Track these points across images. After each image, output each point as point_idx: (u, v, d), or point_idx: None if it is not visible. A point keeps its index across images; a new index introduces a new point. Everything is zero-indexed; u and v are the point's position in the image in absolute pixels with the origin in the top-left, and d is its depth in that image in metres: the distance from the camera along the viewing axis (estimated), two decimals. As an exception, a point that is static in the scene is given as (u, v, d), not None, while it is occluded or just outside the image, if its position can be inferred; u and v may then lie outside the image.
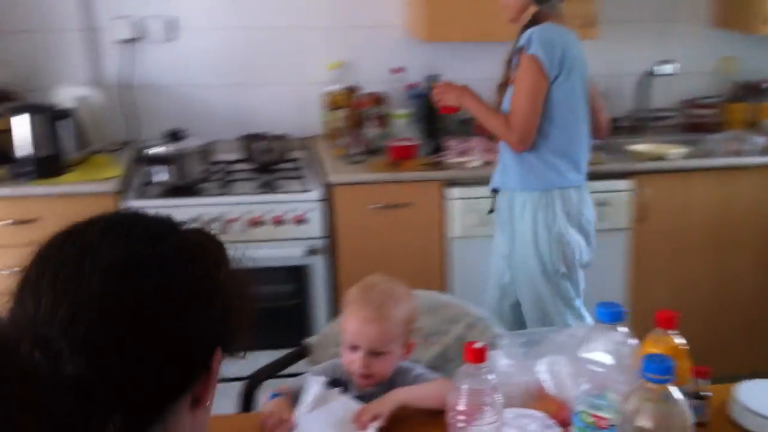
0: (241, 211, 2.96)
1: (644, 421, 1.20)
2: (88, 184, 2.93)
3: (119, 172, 3.05)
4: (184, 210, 2.93)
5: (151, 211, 0.91)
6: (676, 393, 1.21)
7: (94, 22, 3.39)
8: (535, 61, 2.53)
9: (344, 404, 1.71)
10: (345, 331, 1.75)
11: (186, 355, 0.81)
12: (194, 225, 0.93)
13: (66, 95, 3.21)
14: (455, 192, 3.08)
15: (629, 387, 1.33)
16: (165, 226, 0.88)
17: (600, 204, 3.14)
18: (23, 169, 2.96)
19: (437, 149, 3.27)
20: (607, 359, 1.39)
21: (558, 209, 2.64)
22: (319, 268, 3.03)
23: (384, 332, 1.71)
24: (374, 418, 1.61)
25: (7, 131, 2.96)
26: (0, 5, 3.30)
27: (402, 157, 3.16)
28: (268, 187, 3.09)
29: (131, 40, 3.40)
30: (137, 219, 0.88)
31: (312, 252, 3.00)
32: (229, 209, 2.96)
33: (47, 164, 2.98)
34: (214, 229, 2.81)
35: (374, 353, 1.72)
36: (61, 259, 0.80)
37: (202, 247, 0.88)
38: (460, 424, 1.31)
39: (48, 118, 2.96)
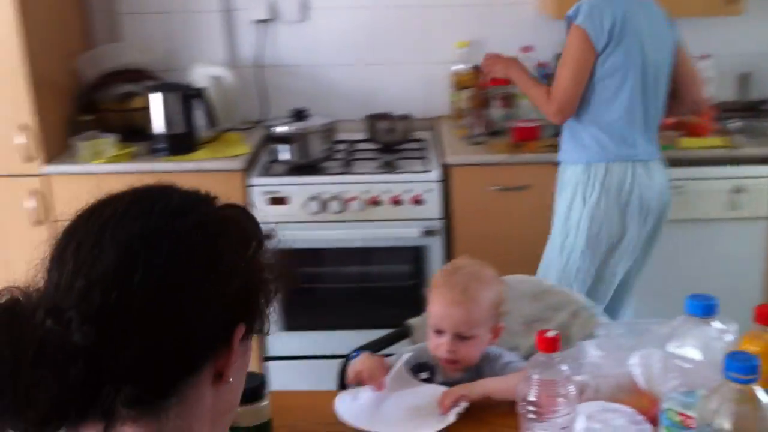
0: (360, 190, 2.99)
1: (724, 423, 1.12)
2: (217, 161, 3.04)
3: (247, 150, 3.14)
4: (304, 188, 2.99)
5: (188, 186, 0.92)
6: (761, 394, 1.12)
7: (231, 3, 3.50)
8: (580, 32, 2.47)
9: (430, 388, 1.69)
10: (431, 315, 1.74)
11: (200, 330, 0.82)
12: (232, 201, 0.94)
13: (201, 75, 3.33)
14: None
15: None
16: (192, 200, 0.90)
17: (736, 191, 2.95)
18: (157, 146, 3.10)
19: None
20: (697, 355, 1.31)
21: (597, 183, 2.55)
22: (435, 249, 3.01)
23: (469, 315, 1.68)
24: (457, 401, 1.58)
25: (145, 109, 3.12)
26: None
27: (524, 138, 3.09)
28: (389, 167, 3.10)
29: (265, 21, 3.49)
30: (166, 193, 0.90)
31: (429, 233, 2.98)
32: (348, 188, 2.99)
33: (179, 141, 3.11)
34: (333, 207, 2.93)
35: (460, 337, 1.69)
36: (86, 231, 0.83)
37: (228, 222, 0.89)
38: (531, 416, 1.27)
39: (181, 97, 3.09)
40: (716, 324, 1.32)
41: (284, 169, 3.08)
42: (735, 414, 1.11)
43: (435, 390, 1.68)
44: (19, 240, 3.05)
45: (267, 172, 3.06)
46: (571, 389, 1.28)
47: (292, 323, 3.13)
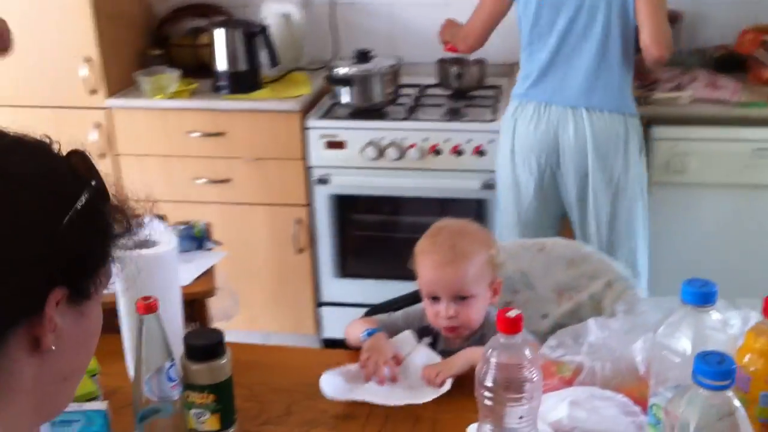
0: (421, 137, 2.84)
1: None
2: (275, 102, 2.96)
3: (308, 91, 3.04)
4: (362, 133, 2.88)
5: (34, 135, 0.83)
6: (735, 403, 0.94)
7: (307, -61, 3.37)
8: None
9: (425, 355, 1.57)
10: (422, 283, 1.61)
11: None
12: (79, 150, 0.84)
13: (271, 12, 3.24)
14: (658, 132, 2.72)
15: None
16: (16, 148, 0.80)
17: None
18: (220, 83, 3.05)
19: (647, 82, 2.90)
20: (689, 348, 1.13)
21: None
22: (497, 202, 2.84)
23: (462, 273, 1.55)
24: (441, 378, 1.46)
25: (211, 45, 3.06)
26: None
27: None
28: (453, 115, 2.94)
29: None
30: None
31: (490, 186, 2.81)
32: (408, 135, 2.85)
33: (241, 80, 3.05)
34: (391, 154, 2.80)
35: (457, 299, 1.56)
36: None
37: (49, 176, 0.79)
38: (487, 402, 1.13)
39: (244, 34, 3.02)
40: (715, 314, 1.13)
41: (344, 113, 2.97)
42: (701, 423, 0.94)
43: (429, 358, 1.55)
44: (84, 172, 3.09)
45: (326, 115, 2.96)
46: (535, 375, 1.12)
47: (346, 270, 3.06)
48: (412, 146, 2.85)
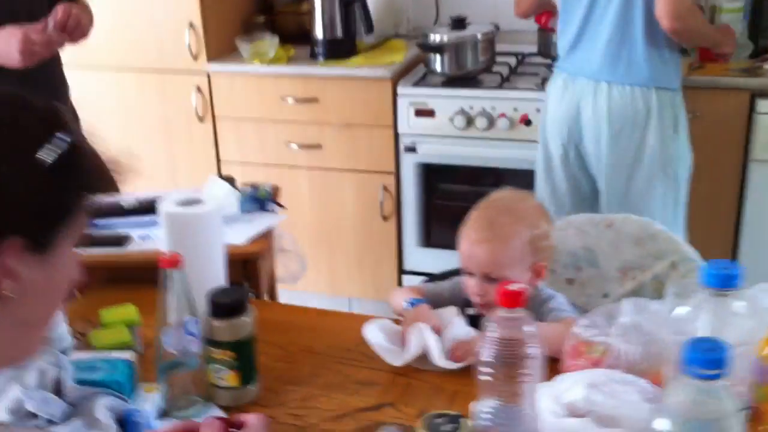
0: (511, 107, 2.76)
1: (669, 423, 0.88)
2: (367, 69, 2.95)
3: (401, 58, 3.01)
4: (452, 101, 2.83)
5: None
6: (725, 393, 0.86)
7: None
8: None
9: (461, 330, 1.53)
10: (460, 255, 1.55)
11: None
12: (56, 106, 0.85)
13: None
14: (763, 105, 2.53)
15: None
16: None
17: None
18: (317, 50, 3.07)
19: (760, 52, 2.70)
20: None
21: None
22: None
23: (495, 255, 1.48)
24: (467, 355, 1.41)
25: (310, 13, 3.09)
26: None
27: (712, 59, 2.67)
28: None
29: None
30: None
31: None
32: (498, 104, 2.78)
33: (337, 46, 3.05)
34: (480, 123, 2.73)
35: (488, 278, 1.50)
36: None
37: (10, 127, 0.80)
38: (485, 377, 1.09)
39: (341, 1, 3.02)
40: (739, 299, 1.04)
41: (436, 81, 2.92)
42: (690, 413, 0.87)
43: (465, 333, 1.51)
44: (183, 134, 3.20)
45: (417, 83, 2.92)
46: (535, 352, 1.07)
47: (431, 239, 3.03)
48: (502, 116, 2.78)
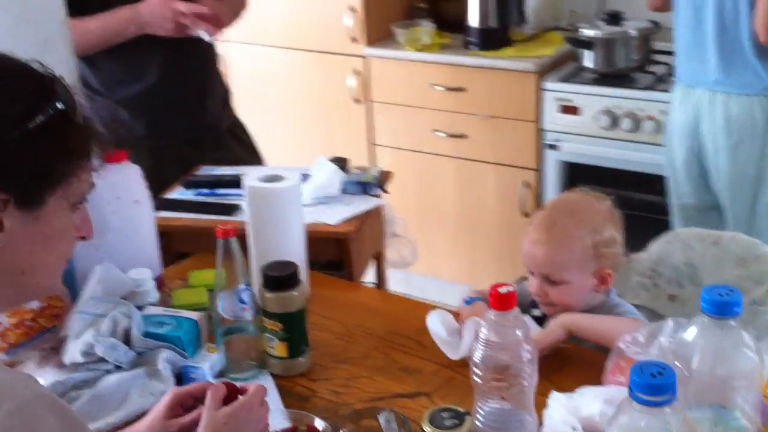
0: (659, 109, 2.64)
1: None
2: (513, 61, 2.92)
3: (551, 52, 2.96)
4: (597, 99, 2.75)
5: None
6: (674, 420, 0.82)
7: None
8: None
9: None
10: (522, 253, 1.54)
11: None
12: (58, 77, 0.95)
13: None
14: None
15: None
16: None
17: None
18: (470, 39, 3.08)
19: None
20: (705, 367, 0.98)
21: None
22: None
23: (553, 257, 1.45)
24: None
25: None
26: None
27: None
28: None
29: None
30: None
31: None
32: (645, 105, 2.67)
33: (490, 36, 3.04)
34: (625, 125, 2.62)
35: (548, 281, 1.47)
36: None
37: (5, 93, 0.90)
38: (476, 380, 1.09)
39: (496, -10, 3.00)
40: (737, 330, 0.97)
41: (585, 77, 2.84)
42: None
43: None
44: (340, 115, 3.32)
45: (565, 78, 2.86)
46: (527, 355, 1.05)
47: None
48: (648, 118, 2.66)
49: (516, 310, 1.07)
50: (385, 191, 2.07)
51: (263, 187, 1.62)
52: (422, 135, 3.14)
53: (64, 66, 1.83)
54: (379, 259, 2.18)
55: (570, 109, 2.80)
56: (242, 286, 1.42)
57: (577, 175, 2.88)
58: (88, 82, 2.28)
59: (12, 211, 0.92)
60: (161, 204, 1.98)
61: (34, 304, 1.54)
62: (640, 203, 2.81)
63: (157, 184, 2.06)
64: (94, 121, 0.98)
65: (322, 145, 3.34)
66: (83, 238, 1.06)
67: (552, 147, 2.86)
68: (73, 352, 1.45)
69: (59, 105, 0.94)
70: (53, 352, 1.50)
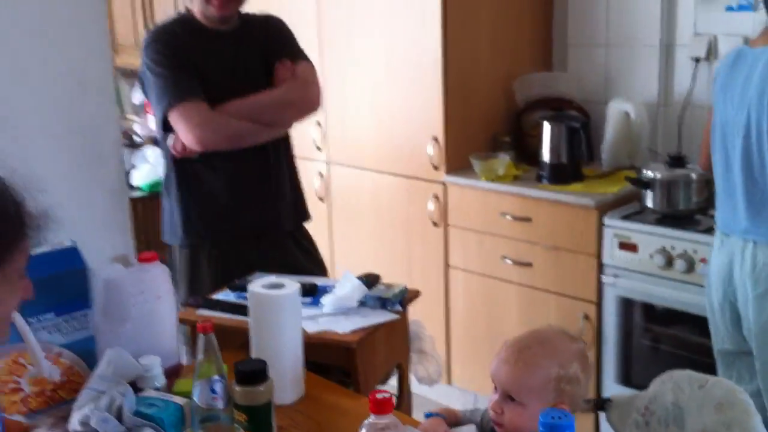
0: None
1: None
2: (575, 195, 3.01)
3: (616, 189, 3.03)
4: (654, 238, 2.80)
5: None
6: None
7: (673, 38, 3.34)
8: None
9: None
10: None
11: None
12: None
13: (615, 109, 3.28)
14: None
15: None
16: None
17: None
18: (542, 172, 3.21)
19: None
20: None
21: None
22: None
23: (518, 378, 1.54)
24: None
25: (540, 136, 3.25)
26: (578, 21, 3.56)
27: None
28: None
29: (700, 59, 3.24)
30: None
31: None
32: (700, 248, 2.67)
33: (561, 171, 3.16)
34: (679, 265, 2.63)
35: (508, 398, 1.55)
36: None
37: None
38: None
39: (567, 128, 3.13)
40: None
41: (645, 216, 2.89)
42: None
43: None
44: (420, 237, 3.50)
45: (625, 216, 2.92)
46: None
47: (630, 378, 2.95)
48: (703, 261, 2.66)
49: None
50: (404, 310, 2.20)
51: (262, 293, 1.81)
52: (491, 260, 3.26)
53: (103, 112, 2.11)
54: (401, 371, 2.29)
55: (628, 246, 2.84)
56: (216, 377, 1.59)
57: (638, 312, 2.89)
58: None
59: None
60: (202, 303, 2.22)
61: (56, 377, 1.78)
62: (691, 345, 2.78)
63: (215, 278, 2.33)
64: (26, 205, 1.20)
65: (402, 260, 3.53)
66: (25, 298, 1.28)
67: (611, 281, 2.90)
68: (74, 422, 1.66)
69: None
70: (62, 420, 1.72)
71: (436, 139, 3.37)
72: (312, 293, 2.24)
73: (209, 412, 1.60)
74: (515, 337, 1.65)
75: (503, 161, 3.28)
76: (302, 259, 2.69)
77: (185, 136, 2.42)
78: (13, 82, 1.92)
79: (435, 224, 3.43)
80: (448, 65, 3.27)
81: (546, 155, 3.19)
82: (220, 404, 1.60)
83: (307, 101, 2.57)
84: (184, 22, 2.53)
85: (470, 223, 3.33)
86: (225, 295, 2.29)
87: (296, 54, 2.60)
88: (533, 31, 3.61)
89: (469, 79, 3.38)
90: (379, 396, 1.18)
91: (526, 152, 3.45)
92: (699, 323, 2.70)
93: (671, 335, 2.88)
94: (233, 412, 1.60)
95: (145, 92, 2.55)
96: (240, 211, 2.56)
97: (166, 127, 2.47)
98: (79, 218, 2.07)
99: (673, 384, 1.83)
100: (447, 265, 3.45)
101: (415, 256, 3.53)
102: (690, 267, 2.69)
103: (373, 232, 3.66)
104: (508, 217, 3.18)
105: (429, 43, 3.27)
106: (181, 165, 2.53)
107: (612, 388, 2.99)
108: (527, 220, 3.12)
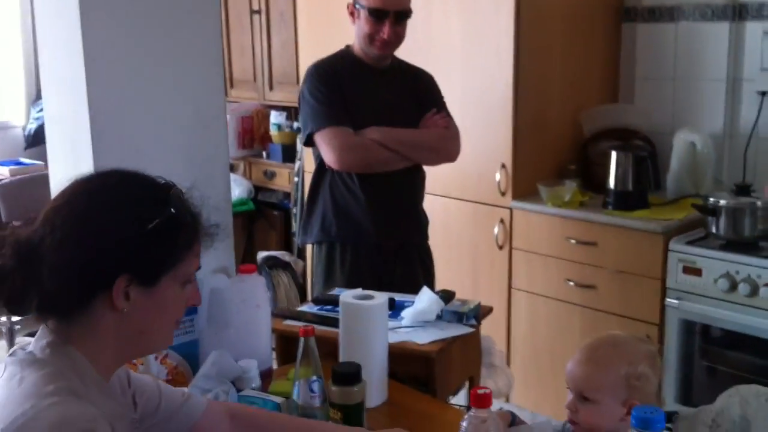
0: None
1: None
2: (643, 221, 3.11)
3: (681, 216, 3.12)
4: (719, 263, 2.88)
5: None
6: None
7: (740, 73, 3.43)
8: None
9: None
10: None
11: (84, 268, 1.21)
12: (177, 188, 1.30)
13: (681, 140, 3.38)
14: None
15: None
16: (121, 181, 1.30)
17: None
18: (608, 199, 3.32)
19: None
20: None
21: None
22: None
23: (590, 376, 1.66)
24: None
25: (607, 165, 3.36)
26: (647, 55, 3.68)
27: None
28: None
29: (766, 93, 3.33)
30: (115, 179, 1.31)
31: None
32: (765, 273, 2.75)
33: (627, 198, 3.27)
34: (743, 289, 2.70)
35: (582, 398, 1.67)
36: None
37: (131, 202, 1.26)
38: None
39: (633, 157, 3.24)
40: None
41: (710, 241, 2.98)
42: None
43: None
44: (485, 259, 3.63)
45: (690, 241, 3.01)
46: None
47: (691, 400, 3.02)
48: (766, 285, 2.74)
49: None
50: (478, 324, 2.33)
51: (352, 303, 1.96)
52: (555, 283, 3.37)
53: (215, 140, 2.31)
54: (472, 383, 2.41)
55: (693, 270, 2.93)
56: (314, 377, 1.74)
57: (700, 335, 2.98)
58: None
59: (134, 287, 1.25)
60: (288, 313, 2.38)
61: (163, 376, 1.95)
62: (754, 367, 2.85)
63: (347, 281, 2.66)
64: (201, 216, 1.32)
65: (468, 281, 3.65)
66: (194, 305, 1.40)
67: (674, 304, 2.99)
68: (183, 416, 1.82)
69: (172, 210, 1.27)
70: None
71: (504, 166, 3.50)
72: (391, 308, 2.38)
73: (307, 409, 1.75)
74: (588, 340, 1.77)
75: (570, 188, 3.40)
76: (421, 275, 2.90)
77: (328, 156, 2.73)
78: (147, 111, 2.11)
79: (500, 247, 3.55)
80: (519, 97, 3.41)
81: (612, 183, 3.29)
82: (317, 402, 1.75)
83: (451, 153, 2.92)
84: (344, 56, 2.85)
85: (535, 246, 3.44)
86: (309, 308, 2.45)
87: (444, 108, 2.92)
88: (601, 65, 3.74)
89: (538, 110, 3.51)
90: (480, 391, 1.31)
91: (591, 181, 3.56)
92: (761, 346, 2.78)
93: (733, 357, 2.95)
94: (329, 410, 1.75)
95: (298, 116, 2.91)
96: (382, 221, 2.82)
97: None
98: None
99: (740, 398, 1.93)
100: (510, 287, 3.56)
101: (481, 276, 3.65)
102: (754, 291, 2.77)
103: (443, 254, 3.78)
104: (573, 242, 3.29)
105: (501, 76, 3.42)
106: (334, 172, 2.82)
107: (672, 408, 3.06)
108: (593, 244, 3.23)
